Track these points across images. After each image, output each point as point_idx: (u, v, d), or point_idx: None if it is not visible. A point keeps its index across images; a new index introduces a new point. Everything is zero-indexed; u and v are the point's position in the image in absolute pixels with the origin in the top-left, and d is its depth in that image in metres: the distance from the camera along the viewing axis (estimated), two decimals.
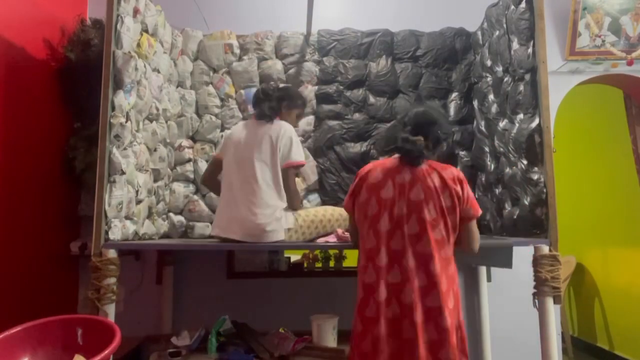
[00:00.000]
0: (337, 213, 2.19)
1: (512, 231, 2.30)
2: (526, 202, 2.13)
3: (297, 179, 2.74)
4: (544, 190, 2.04)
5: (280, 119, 2.17)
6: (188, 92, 2.78)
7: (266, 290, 2.87)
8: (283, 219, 2.02)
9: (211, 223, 2.68)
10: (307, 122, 2.83)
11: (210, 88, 2.82)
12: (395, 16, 3.04)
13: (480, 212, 1.67)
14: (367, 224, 1.63)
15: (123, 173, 2.00)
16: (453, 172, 1.65)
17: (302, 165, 2.14)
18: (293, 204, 2.09)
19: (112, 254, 1.91)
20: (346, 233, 2.06)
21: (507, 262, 2.15)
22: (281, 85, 2.25)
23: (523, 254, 2.09)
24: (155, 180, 2.43)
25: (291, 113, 2.27)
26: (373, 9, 3.12)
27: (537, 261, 1.99)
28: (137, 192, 2.16)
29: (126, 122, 2.02)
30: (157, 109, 2.38)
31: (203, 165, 2.72)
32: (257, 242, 1.98)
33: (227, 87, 2.81)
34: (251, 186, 1.99)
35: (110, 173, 1.96)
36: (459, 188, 1.61)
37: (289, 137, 2.07)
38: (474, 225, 1.68)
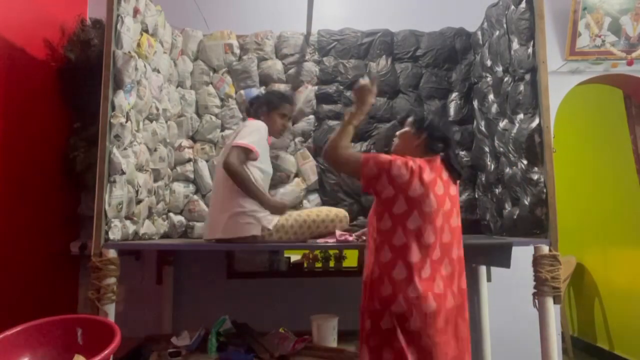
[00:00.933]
0: (332, 214, 2.18)
1: (512, 231, 2.30)
2: (526, 202, 2.13)
3: (297, 179, 2.75)
4: (544, 190, 2.04)
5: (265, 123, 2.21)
6: (188, 92, 2.78)
7: (266, 290, 2.87)
8: (258, 217, 2.00)
9: None
10: (307, 122, 2.83)
11: (210, 88, 2.82)
12: (395, 16, 3.04)
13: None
14: (426, 219, 1.57)
15: (123, 173, 2.00)
16: None
17: (248, 149, 2.01)
18: (248, 192, 1.97)
19: (112, 254, 1.91)
20: (345, 236, 2.06)
21: (505, 262, 2.15)
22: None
23: (523, 254, 2.09)
24: (155, 180, 2.43)
25: (272, 115, 2.26)
26: (373, 9, 3.12)
27: (537, 261, 1.99)
28: (137, 192, 2.16)
29: (126, 122, 2.02)
30: (157, 109, 2.38)
31: (203, 165, 2.72)
32: (232, 237, 1.99)
33: (227, 87, 2.82)
34: (220, 189, 2.08)
35: (110, 173, 1.96)
36: None
37: (244, 125, 2.12)
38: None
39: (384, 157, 1.62)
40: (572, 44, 2.94)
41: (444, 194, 1.61)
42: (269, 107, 2.27)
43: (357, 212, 2.72)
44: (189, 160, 2.73)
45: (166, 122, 2.53)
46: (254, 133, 2.08)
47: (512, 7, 2.33)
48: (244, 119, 2.51)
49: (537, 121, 2.09)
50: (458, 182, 1.74)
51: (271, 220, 2.02)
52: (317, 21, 2.79)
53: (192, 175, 2.73)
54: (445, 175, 1.64)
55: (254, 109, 2.30)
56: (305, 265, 3.01)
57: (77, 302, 2.78)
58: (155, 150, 2.41)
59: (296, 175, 2.79)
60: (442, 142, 1.70)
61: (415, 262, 1.52)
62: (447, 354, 1.51)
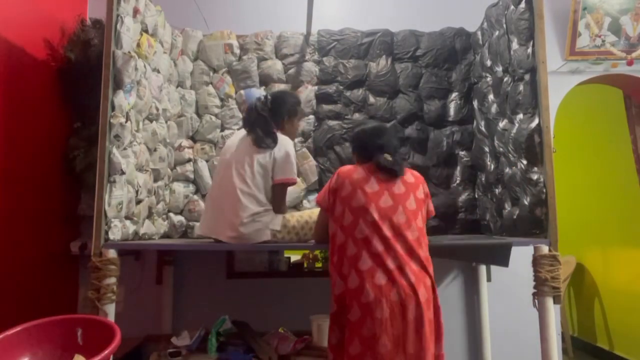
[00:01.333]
0: None
1: (511, 231, 2.30)
2: (526, 202, 2.13)
3: (297, 178, 2.75)
4: (544, 190, 2.04)
5: (284, 130, 2.12)
6: (188, 92, 2.78)
7: (266, 290, 2.87)
8: (268, 220, 2.00)
9: None
10: (307, 122, 2.83)
11: (210, 88, 2.82)
12: (395, 16, 3.04)
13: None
14: (355, 217, 1.67)
15: (123, 173, 2.00)
16: None
17: (294, 184, 2.10)
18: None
19: (112, 254, 1.91)
20: None
21: (504, 261, 2.15)
22: (271, 96, 2.15)
23: (523, 254, 2.09)
24: (155, 180, 2.43)
25: (294, 121, 2.20)
26: (373, 9, 3.12)
27: (537, 261, 1.99)
28: (137, 192, 2.16)
29: (126, 122, 2.02)
30: (157, 109, 2.38)
31: (203, 165, 2.72)
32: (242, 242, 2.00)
33: (227, 87, 2.82)
34: (233, 192, 1.97)
35: (110, 173, 1.96)
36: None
37: (285, 153, 2.02)
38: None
39: (327, 185, 1.81)
40: (572, 44, 2.94)
41: (380, 191, 1.68)
42: (291, 114, 2.18)
43: None
44: (189, 160, 2.73)
45: (166, 122, 2.53)
46: (293, 160, 2.04)
47: (512, 7, 2.33)
48: (250, 121, 2.30)
49: (536, 121, 2.09)
50: (421, 184, 1.78)
51: (277, 222, 2.02)
52: (317, 21, 2.79)
53: (192, 175, 2.73)
54: (382, 174, 1.72)
55: (275, 117, 2.10)
56: (305, 265, 3.01)
57: (77, 302, 2.78)
58: (155, 150, 2.41)
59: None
60: (366, 151, 1.81)
61: (351, 256, 1.62)
62: (386, 346, 1.51)
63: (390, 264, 1.59)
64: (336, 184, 1.75)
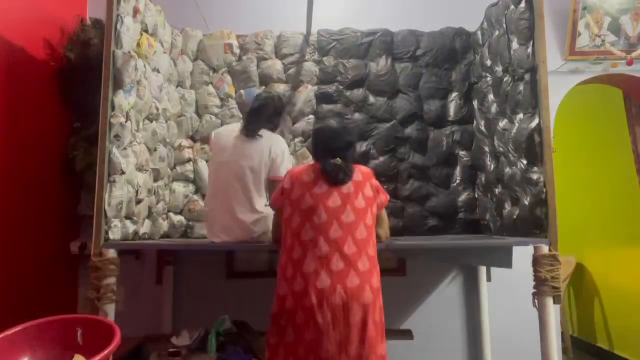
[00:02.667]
0: None
1: (512, 231, 2.30)
2: (526, 202, 2.13)
3: None
4: (544, 190, 2.04)
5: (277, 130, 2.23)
6: (188, 92, 2.78)
7: (266, 290, 2.84)
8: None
9: None
10: (307, 122, 2.83)
11: (210, 88, 2.82)
12: (395, 16, 3.04)
13: None
14: (302, 218, 1.67)
15: (123, 173, 2.00)
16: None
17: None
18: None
19: (112, 254, 1.92)
20: None
21: (507, 262, 2.15)
22: (263, 97, 2.22)
23: (523, 254, 2.09)
24: (155, 180, 2.43)
25: (285, 116, 2.34)
26: (373, 9, 3.12)
27: (537, 261, 1.99)
28: (137, 192, 2.16)
29: (126, 122, 2.02)
30: (157, 109, 2.38)
31: (203, 165, 2.72)
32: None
33: (227, 87, 2.82)
34: (244, 193, 2.02)
35: (110, 173, 1.96)
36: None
37: (281, 150, 2.11)
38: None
39: (280, 186, 1.81)
40: (572, 44, 2.94)
41: (329, 191, 1.67)
42: (283, 112, 2.28)
43: None
44: (189, 160, 2.73)
45: (166, 122, 2.53)
46: (288, 158, 2.14)
47: (512, 7, 2.32)
48: (253, 124, 2.27)
49: (537, 121, 2.09)
50: (368, 180, 1.76)
51: None
52: (317, 21, 2.79)
53: (192, 175, 2.73)
54: (327, 179, 1.70)
55: (272, 120, 2.18)
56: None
57: (77, 302, 2.78)
58: (155, 150, 2.41)
59: None
60: (316, 153, 1.84)
61: (297, 259, 1.62)
62: (328, 350, 1.50)
63: (335, 266, 1.57)
64: (287, 185, 1.74)
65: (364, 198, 1.70)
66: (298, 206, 1.68)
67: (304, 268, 1.59)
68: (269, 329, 1.65)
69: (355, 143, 1.91)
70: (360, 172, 1.76)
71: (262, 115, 2.12)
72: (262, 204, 2.04)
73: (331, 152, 1.75)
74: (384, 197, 1.82)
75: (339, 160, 1.72)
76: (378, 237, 1.78)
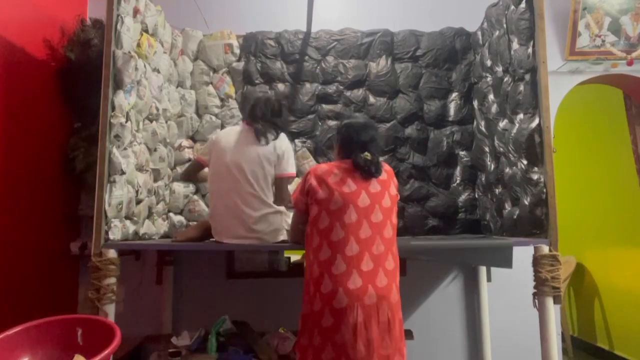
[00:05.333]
0: None
1: (512, 231, 2.30)
2: (526, 202, 2.13)
3: (297, 178, 2.75)
4: (544, 190, 2.04)
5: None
6: (188, 92, 2.78)
7: (266, 290, 2.87)
8: (279, 221, 2.05)
9: None
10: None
11: (210, 88, 2.82)
12: (395, 16, 3.04)
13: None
14: (333, 218, 1.65)
15: (123, 173, 2.00)
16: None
17: (294, 177, 2.20)
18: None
19: (112, 254, 1.91)
20: None
21: (507, 262, 2.15)
22: (266, 98, 2.20)
23: (523, 254, 2.09)
24: (155, 180, 2.43)
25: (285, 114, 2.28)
26: (373, 9, 3.12)
27: (537, 261, 1.99)
28: (137, 192, 2.16)
29: (126, 122, 2.02)
30: (157, 109, 2.38)
31: None
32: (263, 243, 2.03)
33: (227, 87, 2.82)
34: (251, 192, 1.99)
35: (110, 173, 1.96)
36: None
37: (287, 147, 2.11)
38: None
39: (300, 186, 1.78)
40: (572, 44, 2.94)
41: (357, 191, 1.66)
42: (285, 113, 2.27)
43: None
44: (189, 160, 2.72)
45: (166, 122, 2.53)
46: (292, 156, 2.14)
47: (512, 7, 2.32)
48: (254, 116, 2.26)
49: (537, 121, 2.09)
50: (392, 179, 1.76)
51: (288, 221, 2.05)
52: (317, 21, 2.79)
53: None
54: (359, 174, 1.69)
55: (276, 120, 2.15)
56: (305, 265, 3.00)
57: (77, 302, 2.78)
58: (155, 150, 2.41)
59: (296, 175, 2.78)
60: (350, 147, 1.78)
61: (324, 260, 1.61)
62: (361, 351, 1.50)
63: (365, 267, 1.58)
64: (312, 184, 1.71)
65: (389, 197, 1.71)
66: (327, 206, 1.65)
67: (333, 269, 1.58)
68: (299, 330, 1.66)
69: (378, 138, 1.89)
70: (385, 170, 1.76)
71: (265, 116, 2.11)
72: (269, 202, 2.02)
73: (361, 145, 1.74)
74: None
75: (368, 155, 1.71)
76: None
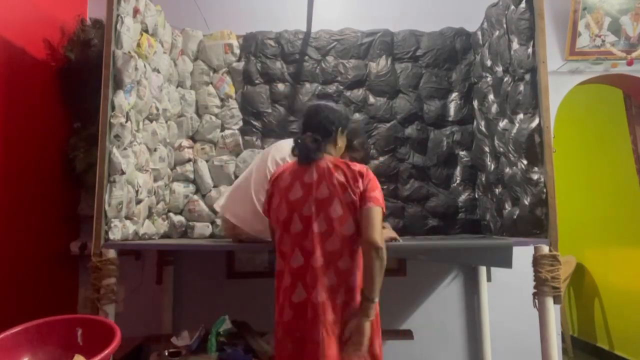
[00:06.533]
0: None
1: (512, 231, 2.30)
2: (526, 202, 2.13)
3: None
4: (544, 190, 2.04)
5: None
6: (188, 92, 2.78)
7: (266, 290, 2.84)
8: None
9: (211, 223, 2.69)
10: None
11: (210, 88, 2.82)
12: (395, 16, 3.04)
13: (380, 204, 1.58)
14: (281, 228, 1.65)
15: (123, 173, 2.00)
16: (356, 167, 1.62)
17: None
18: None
19: (112, 254, 1.92)
20: None
21: (507, 262, 2.15)
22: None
23: (523, 254, 2.09)
24: (155, 180, 2.43)
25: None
26: (373, 9, 3.12)
27: (537, 261, 1.99)
28: (137, 192, 2.16)
29: (126, 122, 2.02)
30: (157, 109, 2.38)
31: (203, 165, 2.72)
32: None
33: (227, 87, 2.82)
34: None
35: (110, 173, 1.96)
36: (359, 182, 1.58)
37: (367, 173, 1.80)
38: (371, 211, 1.55)
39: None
40: (572, 44, 2.94)
41: (302, 199, 1.60)
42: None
43: None
44: (189, 160, 2.73)
45: (166, 122, 2.53)
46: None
47: (512, 7, 2.32)
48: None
49: (537, 121, 2.09)
50: (346, 184, 1.58)
51: None
52: (317, 21, 2.79)
53: (192, 175, 2.72)
54: (313, 177, 1.60)
55: (347, 134, 1.83)
56: None
57: (77, 302, 2.78)
58: (155, 150, 2.41)
59: None
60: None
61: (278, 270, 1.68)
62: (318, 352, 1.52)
63: (308, 279, 1.60)
64: (268, 189, 1.73)
65: (340, 205, 1.56)
66: (276, 216, 1.65)
67: (292, 263, 1.62)
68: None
69: (335, 123, 1.70)
70: (354, 169, 1.60)
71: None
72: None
73: (307, 129, 1.67)
74: (373, 195, 1.58)
75: (310, 136, 1.62)
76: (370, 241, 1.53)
